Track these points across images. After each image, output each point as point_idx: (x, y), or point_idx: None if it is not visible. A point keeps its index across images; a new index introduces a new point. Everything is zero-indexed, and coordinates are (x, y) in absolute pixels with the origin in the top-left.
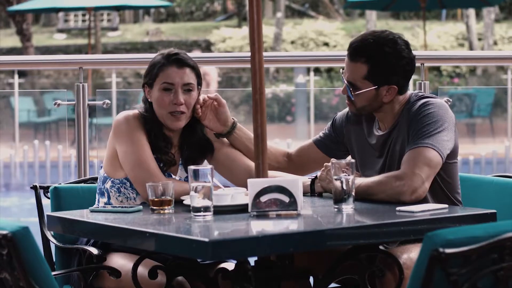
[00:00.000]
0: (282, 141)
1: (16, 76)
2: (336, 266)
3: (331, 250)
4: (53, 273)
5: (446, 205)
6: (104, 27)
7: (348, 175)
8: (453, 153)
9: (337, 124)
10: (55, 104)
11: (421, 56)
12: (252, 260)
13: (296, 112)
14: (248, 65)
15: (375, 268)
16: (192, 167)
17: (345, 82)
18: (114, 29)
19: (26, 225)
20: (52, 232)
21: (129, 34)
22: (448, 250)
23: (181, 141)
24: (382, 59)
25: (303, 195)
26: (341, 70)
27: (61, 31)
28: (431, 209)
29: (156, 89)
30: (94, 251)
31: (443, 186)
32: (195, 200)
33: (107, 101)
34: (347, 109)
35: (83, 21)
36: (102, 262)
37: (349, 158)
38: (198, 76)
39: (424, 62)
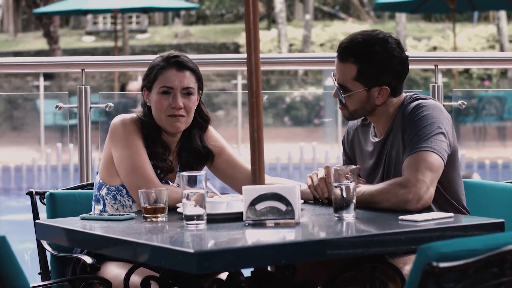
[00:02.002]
0: (308, 144)
1: (41, 78)
2: (336, 277)
3: (334, 260)
4: (33, 284)
5: (451, 214)
6: (133, 29)
7: (350, 182)
8: (452, 156)
9: (344, 145)
10: (56, 107)
11: (434, 58)
12: (248, 271)
13: (325, 115)
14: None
15: (376, 280)
16: (184, 173)
17: (336, 84)
18: (143, 31)
19: (3, 235)
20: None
21: (158, 37)
22: (442, 264)
23: (179, 148)
24: (371, 59)
25: (306, 202)
26: (332, 73)
27: (89, 33)
28: (435, 218)
29: (155, 92)
30: (88, 260)
31: (444, 192)
32: (187, 207)
33: (110, 104)
34: (346, 129)
35: (112, 23)
36: (96, 272)
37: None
38: (199, 79)
39: (437, 64)
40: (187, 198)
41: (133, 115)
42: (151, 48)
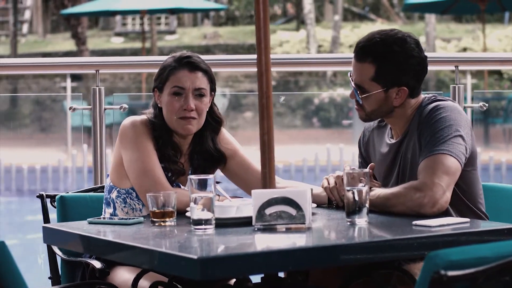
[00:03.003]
0: (334, 145)
1: (68, 80)
2: (349, 283)
3: (348, 265)
4: None
5: (467, 219)
6: (161, 30)
7: (363, 186)
8: (471, 160)
9: (360, 146)
10: (70, 108)
11: (454, 59)
12: (259, 276)
13: (353, 116)
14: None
15: (390, 287)
16: (192, 176)
17: (353, 85)
18: (172, 32)
19: (2, 240)
20: None
21: (187, 38)
22: (450, 273)
23: (191, 150)
24: (390, 59)
25: (320, 206)
26: (349, 73)
27: (118, 34)
28: (450, 223)
29: (166, 93)
30: (97, 264)
31: (462, 197)
32: (195, 212)
33: (125, 105)
34: (362, 131)
35: (141, 24)
36: (106, 276)
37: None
38: (211, 81)
39: (458, 65)
40: (195, 202)
41: (143, 116)
42: (179, 49)
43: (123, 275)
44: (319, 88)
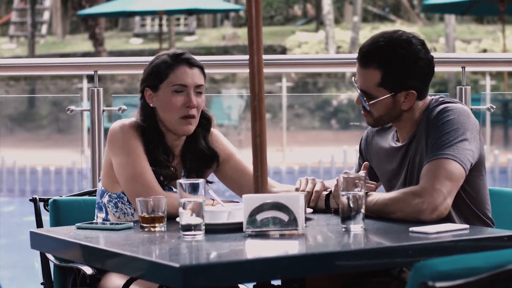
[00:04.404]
0: (351, 147)
1: (84, 81)
2: None
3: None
4: None
5: (467, 226)
6: (180, 31)
7: (359, 191)
8: (479, 165)
9: (361, 149)
10: (68, 110)
11: (461, 59)
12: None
13: None
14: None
15: None
16: (181, 180)
17: (358, 91)
18: (191, 33)
19: None
20: None
21: (206, 39)
22: (439, 284)
23: (184, 150)
24: (396, 63)
25: (318, 212)
26: (353, 78)
27: (137, 35)
28: (449, 230)
29: (165, 92)
30: (88, 270)
31: (469, 202)
32: (184, 217)
33: (124, 106)
34: (365, 132)
35: (159, 25)
36: (97, 283)
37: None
38: (205, 78)
39: (465, 66)
40: (184, 207)
41: (132, 119)
42: (197, 50)
43: (115, 281)
44: (338, 89)
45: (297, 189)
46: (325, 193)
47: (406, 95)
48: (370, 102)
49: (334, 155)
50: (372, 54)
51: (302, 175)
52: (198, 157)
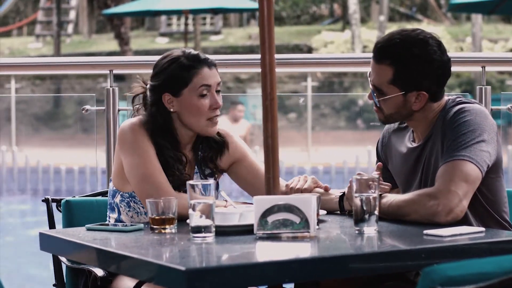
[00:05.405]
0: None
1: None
2: None
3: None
4: None
5: (483, 229)
6: (206, 31)
7: (372, 192)
8: (496, 167)
9: (378, 149)
10: (83, 110)
11: (480, 59)
12: None
13: None
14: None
15: None
16: (191, 182)
17: (371, 86)
18: (217, 32)
19: None
20: None
21: (232, 38)
22: None
23: (196, 141)
24: (409, 62)
25: (332, 213)
26: (368, 73)
27: (163, 35)
28: (464, 233)
29: (189, 96)
30: (100, 272)
31: (486, 205)
32: (193, 219)
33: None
34: (381, 133)
35: (185, 24)
36: (108, 285)
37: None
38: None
39: (485, 65)
40: (193, 208)
41: (140, 117)
42: (223, 49)
43: (126, 283)
44: (364, 89)
45: (287, 186)
46: (338, 194)
47: (417, 96)
48: (381, 99)
49: (358, 156)
50: (386, 51)
51: (326, 175)
52: (211, 145)
